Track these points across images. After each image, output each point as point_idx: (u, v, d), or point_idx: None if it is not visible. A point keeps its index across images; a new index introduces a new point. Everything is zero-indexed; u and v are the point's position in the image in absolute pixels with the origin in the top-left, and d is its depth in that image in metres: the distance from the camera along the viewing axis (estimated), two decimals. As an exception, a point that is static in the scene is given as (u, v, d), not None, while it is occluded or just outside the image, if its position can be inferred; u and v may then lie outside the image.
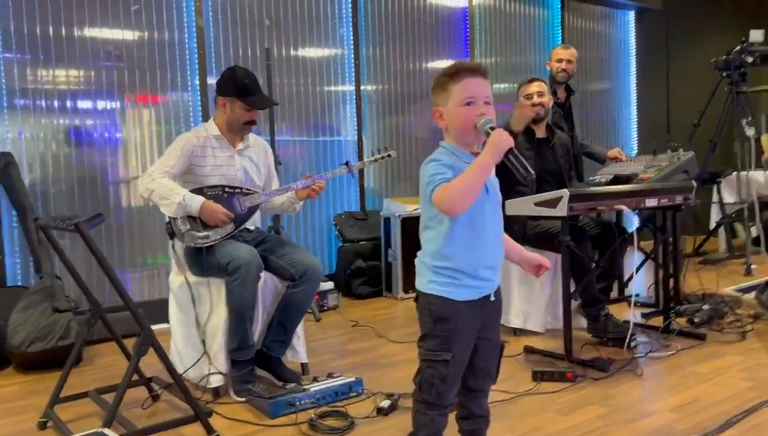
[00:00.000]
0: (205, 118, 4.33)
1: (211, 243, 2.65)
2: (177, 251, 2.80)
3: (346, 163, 2.88)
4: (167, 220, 2.69)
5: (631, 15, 7.03)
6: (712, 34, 7.76)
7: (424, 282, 1.73)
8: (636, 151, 7.02)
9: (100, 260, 1.95)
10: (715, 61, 5.28)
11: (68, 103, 3.93)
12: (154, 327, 3.27)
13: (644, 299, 4.09)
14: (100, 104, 4.04)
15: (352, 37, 5.12)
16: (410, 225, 4.59)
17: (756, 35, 5.12)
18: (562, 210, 2.83)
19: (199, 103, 4.38)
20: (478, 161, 1.58)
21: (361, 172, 5.19)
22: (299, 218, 4.83)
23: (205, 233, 2.65)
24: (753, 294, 3.89)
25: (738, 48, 5.12)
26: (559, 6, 6.42)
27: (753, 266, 4.99)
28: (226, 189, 2.75)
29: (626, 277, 3.69)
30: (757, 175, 5.44)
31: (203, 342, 2.66)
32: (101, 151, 4.03)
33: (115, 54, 4.07)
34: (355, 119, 5.18)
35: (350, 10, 5.10)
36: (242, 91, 2.76)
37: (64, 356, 3.16)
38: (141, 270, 4.16)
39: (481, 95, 1.67)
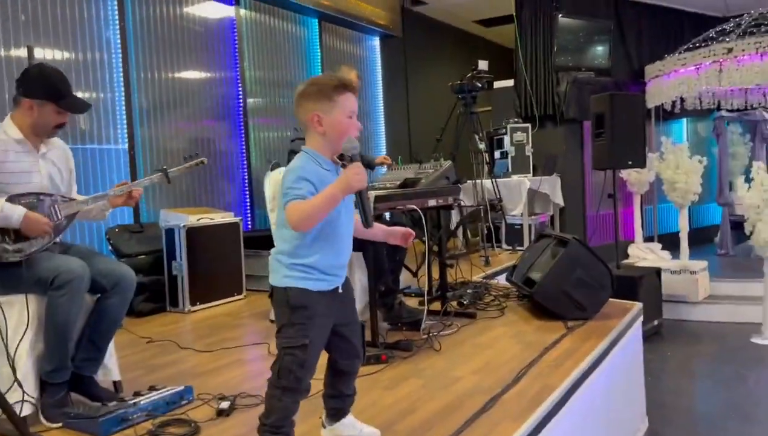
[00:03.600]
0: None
1: (28, 256, 2.40)
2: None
3: (162, 170, 2.82)
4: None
5: (377, 40, 7.78)
6: (440, 62, 8.99)
7: (279, 277, 1.87)
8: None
9: None
10: (451, 85, 6.18)
11: None
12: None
13: (414, 290, 4.65)
14: None
15: (119, 41, 4.87)
16: (196, 235, 4.54)
17: (483, 64, 6.13)
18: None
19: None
20: (328, 191, 1.74)
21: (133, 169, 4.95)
22: (66, 233, 4.39)
23: (17, 246, 2.39)
24: (502, 278, 4.68)
25: (470, 74, 6.07)
26: (317, 26, 6.85)
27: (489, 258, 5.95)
28: (41, 196, 2.51)
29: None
30: (486, 183, 6.47)
31: (13, 369, 2.39)
32: None
33: None
34: (125, 127, 4.92)
35: (116, 13, 4.85)
36: (55, 94, 2.55)
37: None
38: None
39: (352, 108, 1.90)
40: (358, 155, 1.83)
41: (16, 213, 2.38)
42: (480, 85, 6.06)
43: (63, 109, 2.58)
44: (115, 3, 4.85)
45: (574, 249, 3.72)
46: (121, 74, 4.89)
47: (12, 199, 2.43)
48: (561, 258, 3.70)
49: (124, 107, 4.91)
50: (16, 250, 2.39)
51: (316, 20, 6.83)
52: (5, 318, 2.39)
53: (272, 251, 1.91)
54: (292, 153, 4.26)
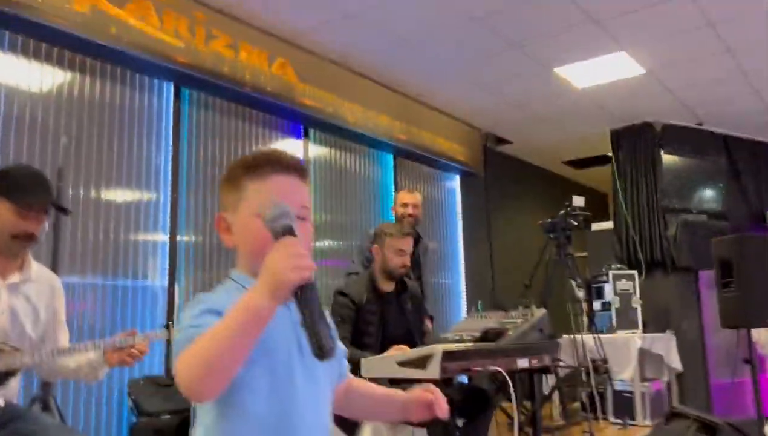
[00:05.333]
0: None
1: None
2: None
3: (167, 326, 2.11)
4: None
5: (456, 179, 7.21)
6: (527, 202, 8.30)
7: None
8: (464, 310, 6.89)
9: None
10: (542, 223, 5.38)
11: None
12: None
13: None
14: None
15: (170, 181, 4.43)
16: (229, 393, 3.72)
17: (578, 200, 5.33)
18: (433, 371, 2.28)
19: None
20: (241, 303, 0.95)
21: (171, 308, 4.28)
22: (77, 384, 3.71)
23: None
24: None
25: (563, 212, 5.26)
26: (392, 163, 6.36)
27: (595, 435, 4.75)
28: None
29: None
30: (587, 339, 5.41)
31: None
32: None
33: None
34: (166, 265, 4.35)
35: (170, 148, 4.45)
36: (13, 188, 1.94)
37: None
38: None
39: (294, 203, 1.10)
40: (292, 228, 1.01)
41: None
42: (575, 223, 5.22)
43: (20, 206, 1.93)
44: (170, 141, 4.47)
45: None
46: (169, 211, 4.39)
47: None
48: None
49: (167, 245, 4.37)
50: None
51: (392, 156, 6.36)
52: None
53: None
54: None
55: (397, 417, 1.22)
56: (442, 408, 1.17)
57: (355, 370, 2.55)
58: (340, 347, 1.22)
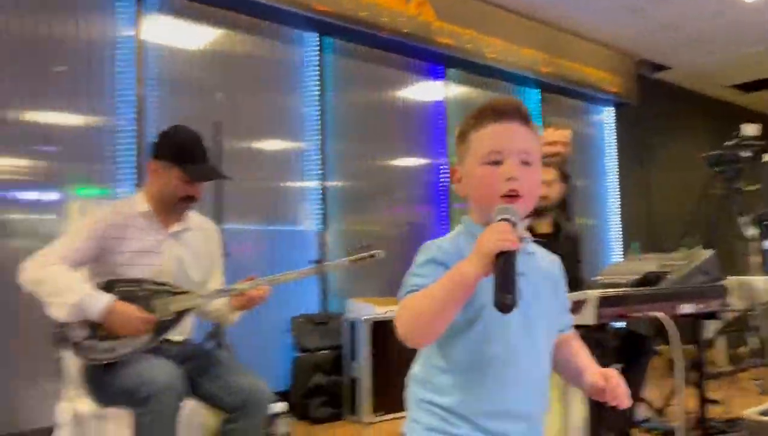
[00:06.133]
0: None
1: (117, 359, 1.89)
2: (69, 367, 2.02)
3: (318, 262, 2.19)
4: (58, 323, 1.94)
5: (607, 111, 6.77)
6: (686, 132, 7.64)
7: (407, 420, 1.19)
8: (621, 254, 6.56)
9: None
10: (706, 156, 4.92)
11: None
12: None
13: (660, 426, 3.41)
14: (30, 195, 3.40)
15: (318, 130, 4.56)
16: (381, 330, 3.87)
17: (749, 129, 4.80)
18: (588, 317, 2.20)
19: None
20: (454, 269, 1.06)
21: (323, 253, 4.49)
22: (246, 321, 4.02)
23: (109, 345, 1.89)
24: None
25: (733, 142, 4.77)
26: (538, 100, 6.09)
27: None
28: (147, 285, 2.02)
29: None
30: (758, 281, 4.95)
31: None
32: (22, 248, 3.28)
33: (48, 138, 3.43)
34: (318, 211, 4.54)
35: (316, 98, 4.58)
36: (182, 157, 2.09)
37: None
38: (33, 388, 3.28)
39: (513, 148, 1.14)
40: (517, 224, 1.07)
41: (98, 304, 1.89)
42: (746, 154, 4.71)
43: (188, 175, 2.10)
44: (316, 90, 4.58)
45: None
46: (319, 159, 4.55)
47: (110, 284, 1.95)
48: None
49: (319, 191, 4.54)
50: (106, 349, 1.88)
51: (537, 91, 6.08)
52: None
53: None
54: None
55: (585, 392, 1.21)
56: (616, 397, 1.12)
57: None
58: (566, 302, 1.28)
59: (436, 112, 5.38)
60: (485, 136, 1.16)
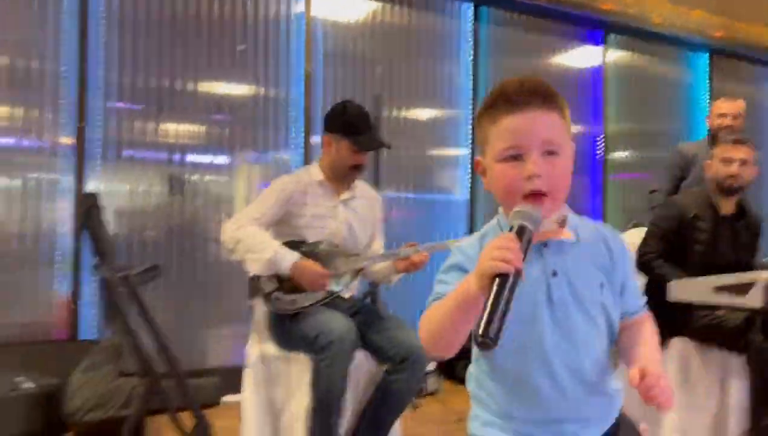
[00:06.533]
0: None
1: (299, 310, 2.15)
2: (258, 315, 2.32)
3: (471, 232, 2.32)
4: (251, 276, 2.24)
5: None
6: None
7: (471, 418, 1.16)
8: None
9: (148, 317, 1.49)
10: None
11: (173, 157, 3.70)
12: (230, 398, 2.75)
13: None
14: (204, 159, 3.81)
15: (471, 98, 4.65)
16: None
17: None
18: (755, 299, 2.13)
19: (302, 161, 4.00)
20: (464, 281, 0.97)
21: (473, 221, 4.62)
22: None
23: (292, 297, 2.16)
24: None
25: None
26: (707, 67, 5.69)
27: None
28: (324, 246, 2.26)
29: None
30: None
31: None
32: (198, 206, 3.74)
33: (222, 107, 3.83)
34: (468, 179, 4.65)
35: (470, 67, 4.65)
36: (350, 129, 2.31)
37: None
38: (222, 330, 3.74)
39: (534, 141, 1.03)
40: (531, 232, 0.96)
41: (288, 259, 2.14)
42: None
43: (356, 146, 2.30)
44: (470, 59, 4.65)
45: None
46: (470, 128, 4.65)
47: (293, 244, 2.20)
48: None
49: (468, 159, 4.64)
50: (290, 301, 2.14)
51: (706, 56, 5.68)
52: (270, 375, 2.14)
53: None
54: (653, 209, 3.36)
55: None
56: (650, 398, 1.00)
57: (659, 292, 2.46)
58: (633, 284, 1.15)
59: (594, 79, 5.23)
60: (501, 131, 1.05)
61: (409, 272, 2.31)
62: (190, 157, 3.76)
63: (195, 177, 3.75)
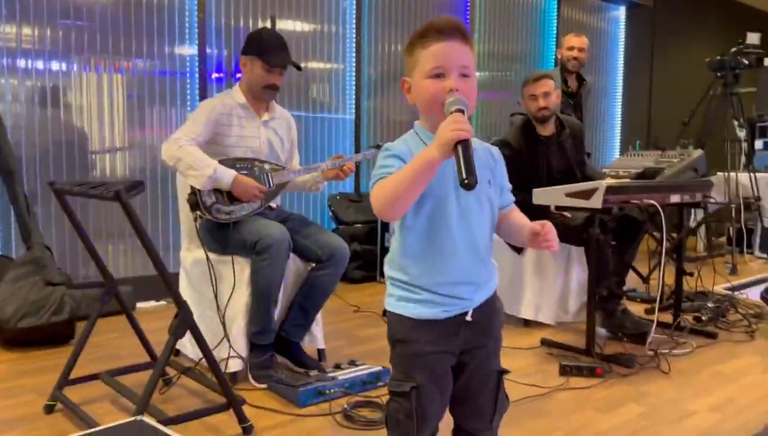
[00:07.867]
0: (202, 89, 4.12)
1: (237, 219, 2.48)
2: (191, 224, 2.61)
3: (377, 146, 2.72)
4: (191, 190, 2.50)
5: (622, 10, 7.03)
6: (697, 36, 7.90)
7: (386, 296, 1.42)
8: (618, 148, 7.09)
9: (141, 233, 1.76)
10: (710, 60, 5.31)
11: (50, 66, 3.64)
12: (141, 305, 2.96)
13: (640, 294, 4.11)
14: (78, 68, 3.76)
15: (354, 15, 4.92)
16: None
17: (753, 37, 5.18)
18: (596, 202, 2.76)
19: (197, 72, 4.11)
20: (420, 155, 1.23)
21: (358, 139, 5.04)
22: (292, 197, 4.64)
23: (230, 208, 2.47)
24: (753, 293, 3.93)
25: (734, 49, 5.16)
26: (557, -5, 6.36)
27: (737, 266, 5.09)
28: (256, 163, 2.57)
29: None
30: (743, 177, 5.53)
31: (223, 324, 2.48)
32: (83, 118, 3.77)
33: (96, 13, 3.80)
34: (353, 98, 5.00)
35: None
36: (263, 50, 2.58)
37: (56, 332, 2.96)
38: (123, 243, 3.91)
39: (454, 64, 1.30)
40: (460, 110, 1.26)
41: (227, 176, 2.45)
42: (746, 61, 5.12)
43: (267, 64, 2.57)
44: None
45: None
46: (354, 46, 4.95)
47: (226, 162, 2.50)
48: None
49: (354, 79, 4.98)
50: (228, 212, 2.46)
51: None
52: (213, 275, 2.47)
53: None
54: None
55: (527, 243, 1.43)
56: (548, 240, 1.33)
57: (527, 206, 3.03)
58: (508, 184, 1.49)
59: (463, 2, 5.69)
60: (430, 54, 1.31)
61: (338, 180, 2.69)
62: (63, 66, 3.69)
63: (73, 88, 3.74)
